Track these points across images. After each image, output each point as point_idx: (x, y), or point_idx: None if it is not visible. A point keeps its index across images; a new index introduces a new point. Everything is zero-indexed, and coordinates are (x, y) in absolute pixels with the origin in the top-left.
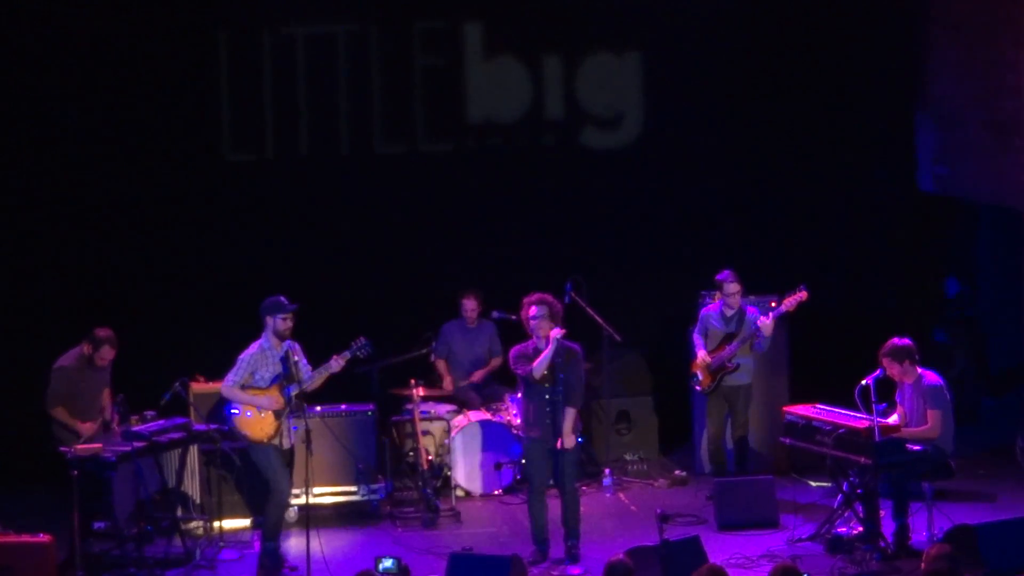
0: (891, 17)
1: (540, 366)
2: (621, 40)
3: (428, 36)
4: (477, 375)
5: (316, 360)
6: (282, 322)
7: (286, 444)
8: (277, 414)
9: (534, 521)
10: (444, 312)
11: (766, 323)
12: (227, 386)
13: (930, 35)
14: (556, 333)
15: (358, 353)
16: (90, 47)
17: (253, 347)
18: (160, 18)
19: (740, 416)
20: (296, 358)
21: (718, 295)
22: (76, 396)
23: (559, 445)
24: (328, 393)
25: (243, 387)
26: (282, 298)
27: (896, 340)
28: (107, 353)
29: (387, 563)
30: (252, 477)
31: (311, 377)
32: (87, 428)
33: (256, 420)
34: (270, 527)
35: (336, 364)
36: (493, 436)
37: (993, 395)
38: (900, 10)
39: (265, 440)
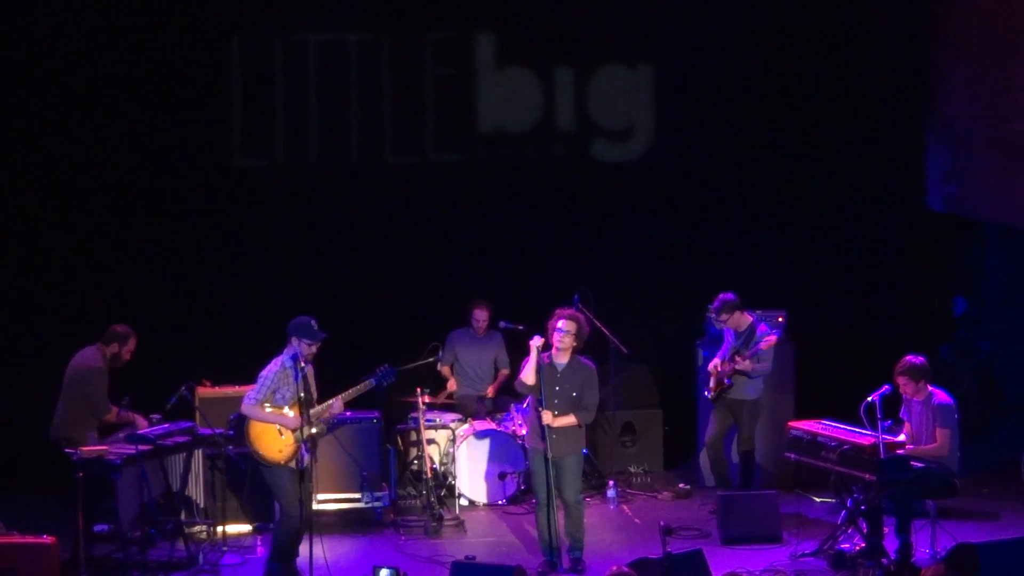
0: (902, 37)
1: (527, 375)
2: (633, 53)
3: (440, 46)
4: (491, 391)
5: (329, 371)
6: (307, 347)
7: (303, 463)
8: (297, 435)
9: (540, 532)
10: (451, 321)
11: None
12: (249, 404)
13: (940, 55)
14: (535, 342)
15: (383, 381)
16: (103, 52)
17: (275, 364)
18: (173, 23)
19: (744, 431)
20: (310, 381)
21: None
22: (100, 397)
23: (543, 421)
24: None
25: (264, 405)
26: (313, 321)
27: (912, 358)
28: (133, 344)
29: (385, 574)
30: (255, 484)
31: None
32: (143, 420)
33: (275, 440)
34: (279, 548)
35: (338, 406)
36: (498, 446)
37: (1001, 414)
38: (911, 30)
39: (283, 461)
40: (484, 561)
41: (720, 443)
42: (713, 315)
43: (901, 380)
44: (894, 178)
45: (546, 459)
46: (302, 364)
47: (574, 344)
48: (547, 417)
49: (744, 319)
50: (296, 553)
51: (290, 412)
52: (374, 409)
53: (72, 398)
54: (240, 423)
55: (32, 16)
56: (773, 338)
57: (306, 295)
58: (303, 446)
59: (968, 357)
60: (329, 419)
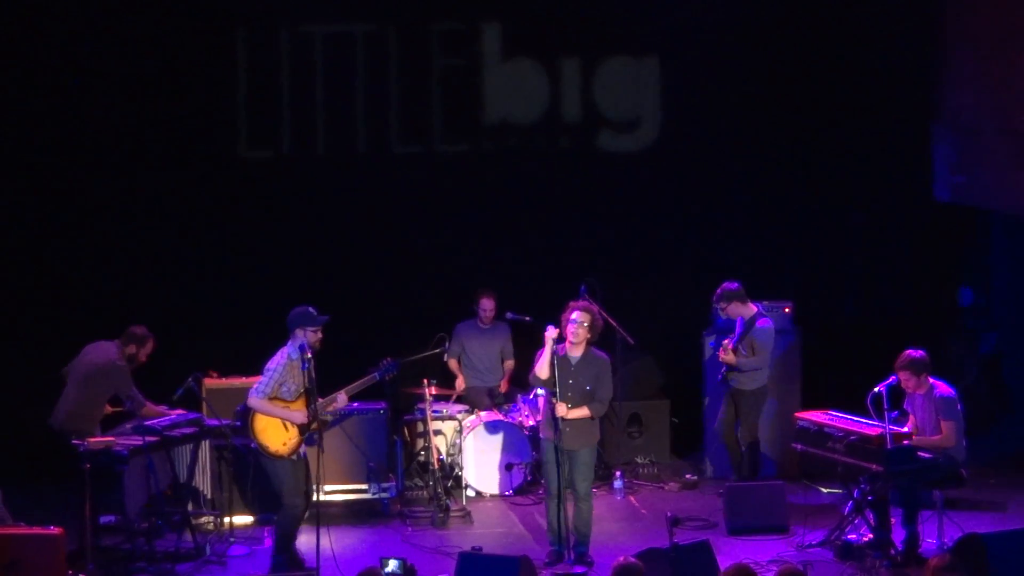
0: (908, 27)
1: (541, 368)
2: (639, 44)
3: (446, 37)
4: (504, 385)
5: (336, 362)
6: (312, 334)
7: (303, 452)
8: (302, 429)
9: (549, 522)
10: (458, 312)
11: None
12: (256, 398)
13: (947, 45)
14: (550, 333)
15: (386, 375)
16: (109, 43)
17: (281, 356)
18: (179, 14)
19: (745, 421)
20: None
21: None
22: (110, 393)
23: (556, 412)
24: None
25: (270, 399)
26: (311, 309)
27: (911, 352)
28: (151, 348)
29: (392, 565)
30: (261, 475)
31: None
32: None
33: (280, 433)
34: (281, 539)
35: (342, 400)
36: (505, 437)
37: (1007, 405)
38: (917, 21)
39: (286, 454)
40: (491, 552)
41: (728, 429)
42: (714, 303)
43: (903, 375)
44: (901, 168)
45: (558, 449)
46: (308, 355)
47: (588, 336)
48: (561, 409)
49: (748, 309)
50: (294, 537)
51: (295, 405)
52: (381, 400)
53: (90, 392)
54: (246, 414)
55: (38, 8)
56: (720, 351)
57: (312, 286)
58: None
59: (975, 348)
60: (334, 412)
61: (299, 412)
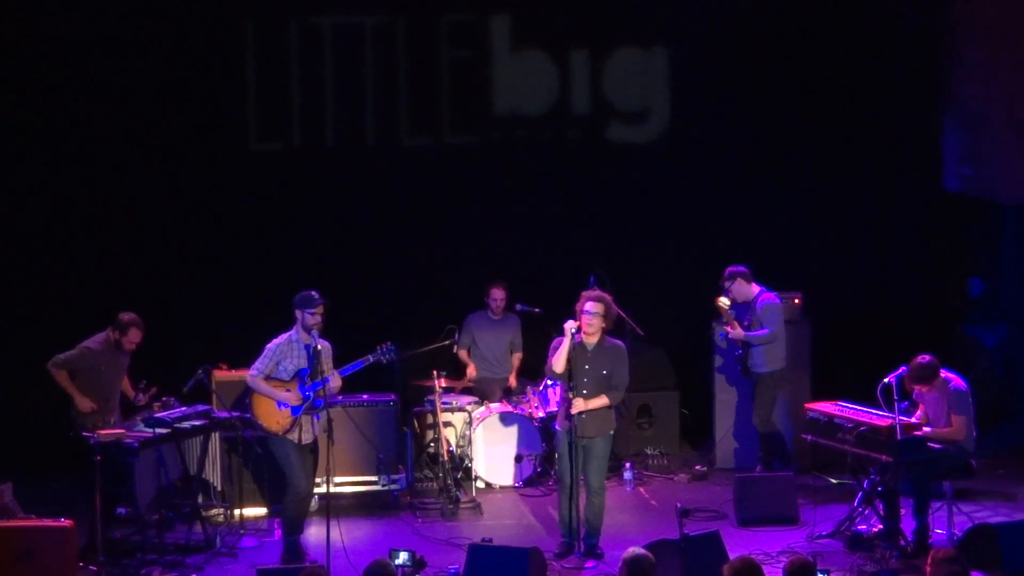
0: (917, 18)
1: (558, 361)
2: (648, 35)
3: (455, 29)
4: (512, 379)
5: (343, 353)
6: (311, 316)
7: (306, 439)
8: (295, 410)
9: (561, 513)
10: (467, 304)
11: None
12: (252, 375)
13: (956, 37)
14: (570, 325)
15: (382, 359)
16: (118, 35)
17: (281, 337)
18: (188, 7)
19: (758, 407)
20: (324, 358)
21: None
22: (98, 381)
23: (572, 409)
24: (350, 383)
25: (267, 377)
26: (313, 292)
27: (920, 361)
28: (135, 336)
29: (402, 557)
30: (270, 466)
31: (327, 381)
32: (86, 403)
33: (273, 411)
34: (289, 521)
35: (336, 380)
36: (514, 428)
37: (1017, 395)
38: (926, 11)
39: (280, 432)
40: (501, 543)
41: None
42: (722, 283)
43: (916, 388)
44: (910, 159)
45: (572, 441)
46: (318, 347)
47: (603, 326)
48: (578, 404)
49: (750, 290)
50: (301, 529)
51: (290, 386)
52: (390, 392)
53: (77, 383)
54: (247, 392)
55: (47, 2)
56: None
57: (322, 278)
58: (314, 423)
59: (984, 338)
60: (333, 392)
61: (287, 393)
